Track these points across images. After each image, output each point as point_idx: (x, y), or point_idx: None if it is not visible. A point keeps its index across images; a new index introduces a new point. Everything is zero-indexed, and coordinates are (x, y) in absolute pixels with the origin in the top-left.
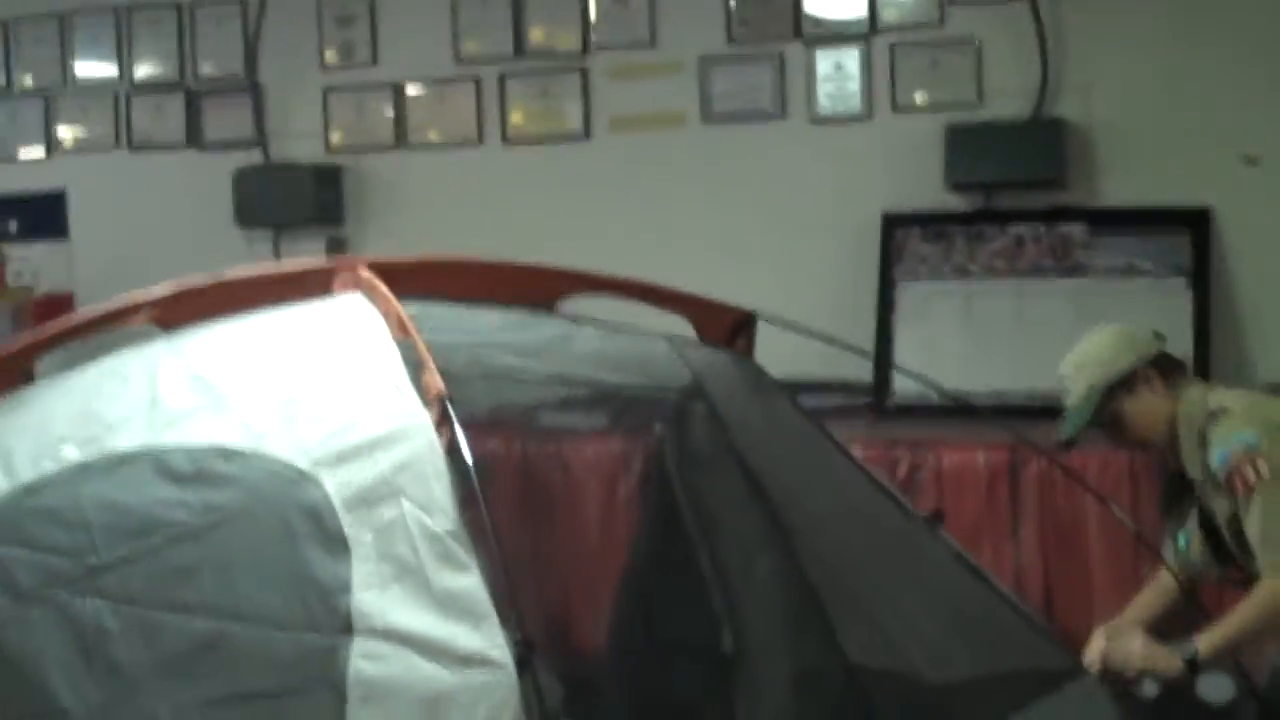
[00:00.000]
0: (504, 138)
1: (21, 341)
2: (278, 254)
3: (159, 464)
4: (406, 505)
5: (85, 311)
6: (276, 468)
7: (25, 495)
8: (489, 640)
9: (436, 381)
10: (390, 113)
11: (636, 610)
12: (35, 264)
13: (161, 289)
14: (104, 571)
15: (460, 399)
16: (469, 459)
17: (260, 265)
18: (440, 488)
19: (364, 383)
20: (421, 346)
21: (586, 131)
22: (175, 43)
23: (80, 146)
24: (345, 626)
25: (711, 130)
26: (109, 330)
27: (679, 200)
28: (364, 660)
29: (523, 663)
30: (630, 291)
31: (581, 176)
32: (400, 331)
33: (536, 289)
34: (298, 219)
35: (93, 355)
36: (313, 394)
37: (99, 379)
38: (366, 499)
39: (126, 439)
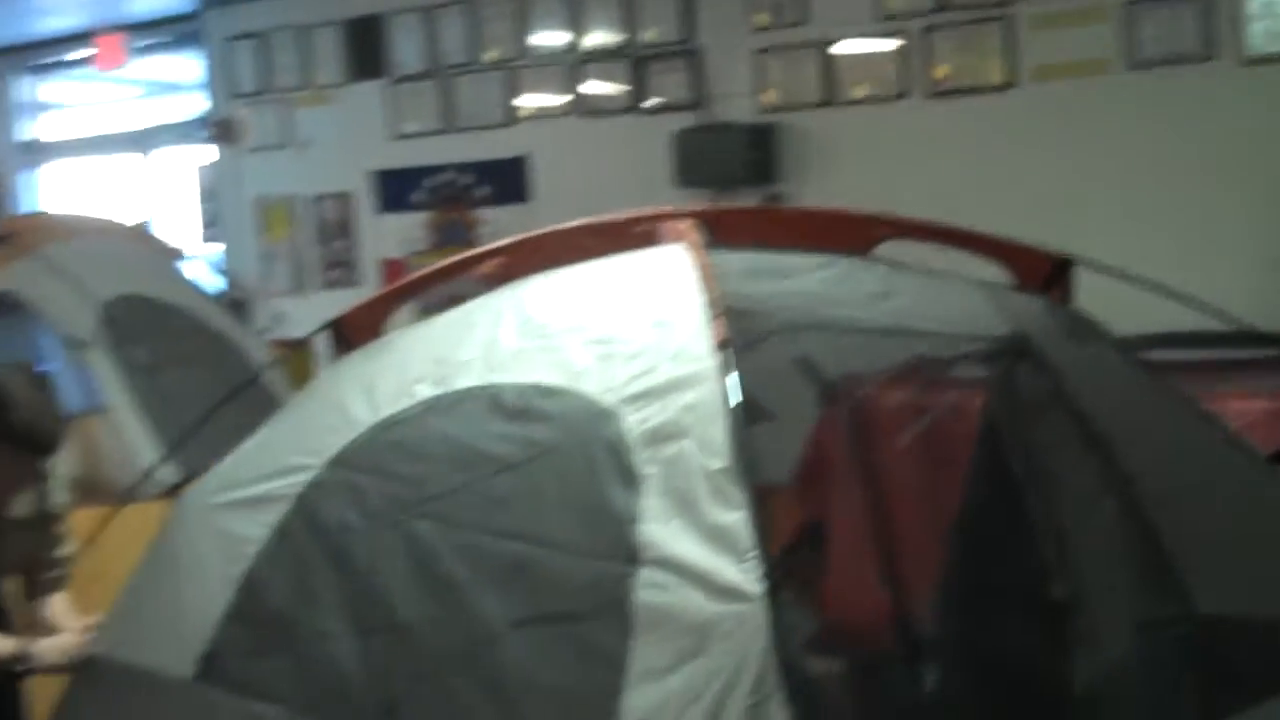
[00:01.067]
0: (928, 91)
1: (387, 289)
2: None
3: (491, 400)
4: (688, 444)
5: (443, 262)
6: (587, 405)
7: (382, 429)
8: (747, 574)
9: (721, 329)
10: (819, 71)
11: (966, 558)
12: (502, 226)
13: (506, 241)
14: (438, 499)
15: (787, 349)
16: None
17: (595, 218)
18: (718, 429)
19: (669, 329)
20: (716, 296)
21: (1010, 82)
22: (621, 12)
23: (538, 114)
24: (633, 556)
25: (1135, 77)
26: (463, 278)
27: (1100, 151)
28: (647, 589)
29: (773, 597)
30: (943, 237)
31: (1003, 129)
32: (709, 282)
33: (853, 235)
34: (733, 178)
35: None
36: (625, 338)
37: (450, 325)
38: (657, 437)
39: (467, 378)
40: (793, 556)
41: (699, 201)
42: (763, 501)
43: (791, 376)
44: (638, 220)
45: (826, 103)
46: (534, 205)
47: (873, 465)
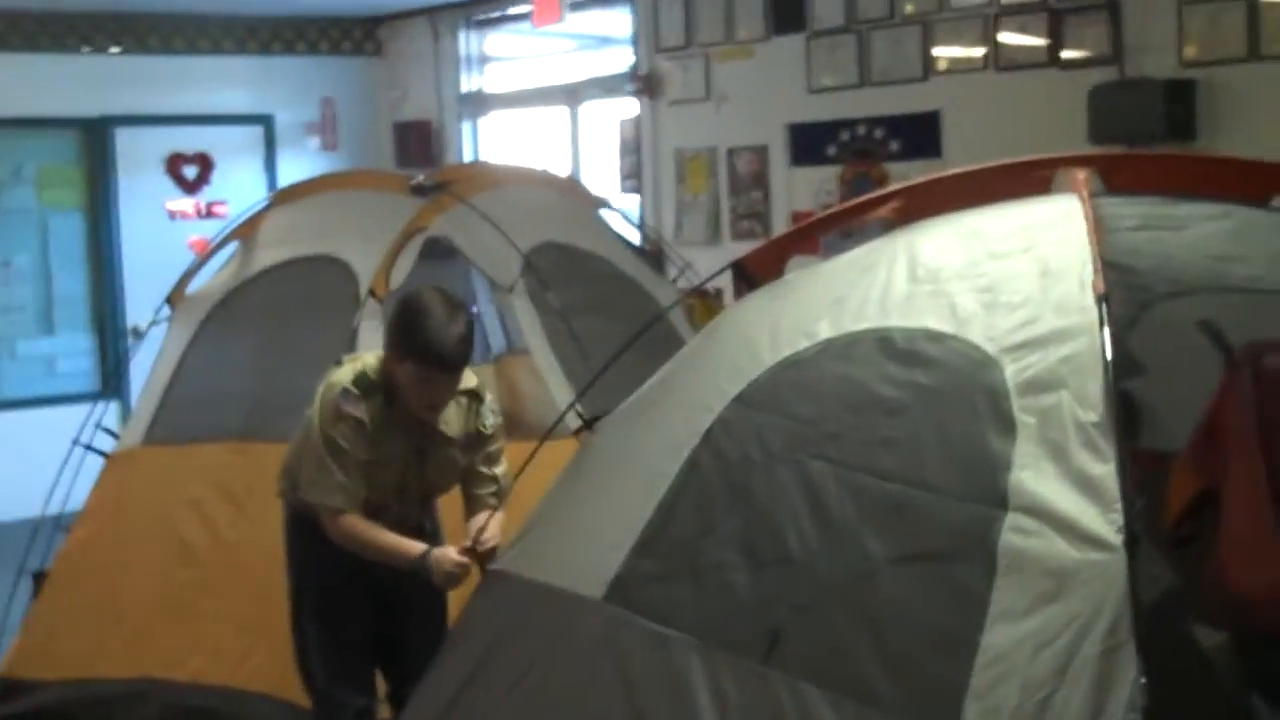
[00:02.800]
0: None
1: (790, 230)
2: None
3: (882, 343)
4: (1064, 395)
5: (844, 205)
6: (970, 351)
7: (783, 368)
8: (1111, 525)
9: (1099, 284)
10: (1244, 23)
11: None
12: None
13: (904, 184)
14: (831, 439)
15: (1185, 309)
16: (1109, 357)
17: (991, 162)
18: (1094, 383)
19: (1054, 280)
20: (1102, 250)
21: None
22: None
23: (953, 69)
24: (1002, 501)
25: None
26: (862, 221)
27: None
28: (1013, 533)
29: (1132, 549)
30: None
31: None
32: (1097, 235)
33: (1251, 183)
34: (1151, 135)
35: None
36: (1010, 286)
37: (849, 267)
38: (1035, 386)
39: (863, 319)
40: (1186, 524)
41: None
42: (1156, 467)
43: (1186, 338)
44: (1034, 165)
45: (1251, 57)
46: (945, 161)
47: (1277, 436)
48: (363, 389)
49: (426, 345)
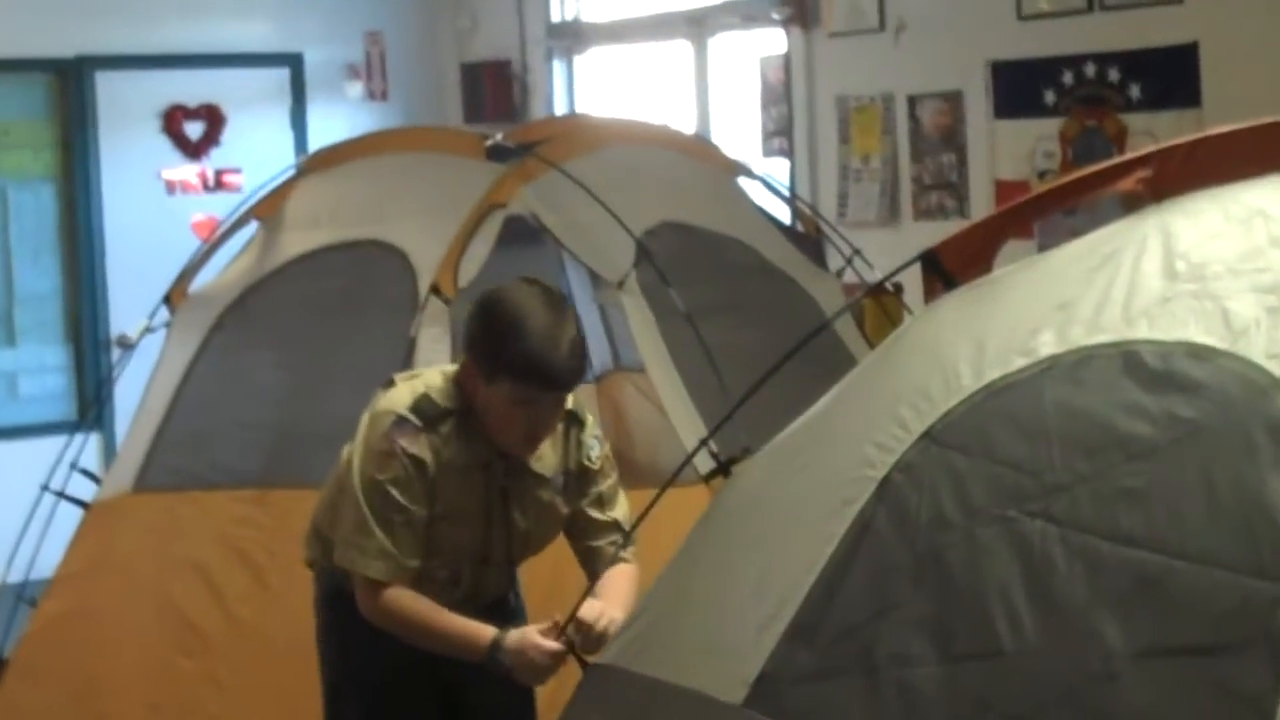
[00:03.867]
0: None
1: (998, 211)
2: None
3: (1127, 362)
4: None
5: (1070, 176)
6: (1249, 373)
7: (990, 396)
8: None
9: None
10: None
11: None
12: (1161, 136)
13: (1153, 147)
14: (1058, 491)
15: None
16: None
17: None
18: None
19: None
20: None
21: None
22: None
23: None
24: None
25: None
26: (1097, 196)
27: None
28: None
29: None
30: None
31: None
32: None
33: None
34: None
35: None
36: None
37: (1079, 259)
38: None
39: (1099, 330)
40: None
41: None
42: None
43: None
44: None
45: None
46: (1205, 110)
47: None
48: (426, 418)
49: (528, 359)
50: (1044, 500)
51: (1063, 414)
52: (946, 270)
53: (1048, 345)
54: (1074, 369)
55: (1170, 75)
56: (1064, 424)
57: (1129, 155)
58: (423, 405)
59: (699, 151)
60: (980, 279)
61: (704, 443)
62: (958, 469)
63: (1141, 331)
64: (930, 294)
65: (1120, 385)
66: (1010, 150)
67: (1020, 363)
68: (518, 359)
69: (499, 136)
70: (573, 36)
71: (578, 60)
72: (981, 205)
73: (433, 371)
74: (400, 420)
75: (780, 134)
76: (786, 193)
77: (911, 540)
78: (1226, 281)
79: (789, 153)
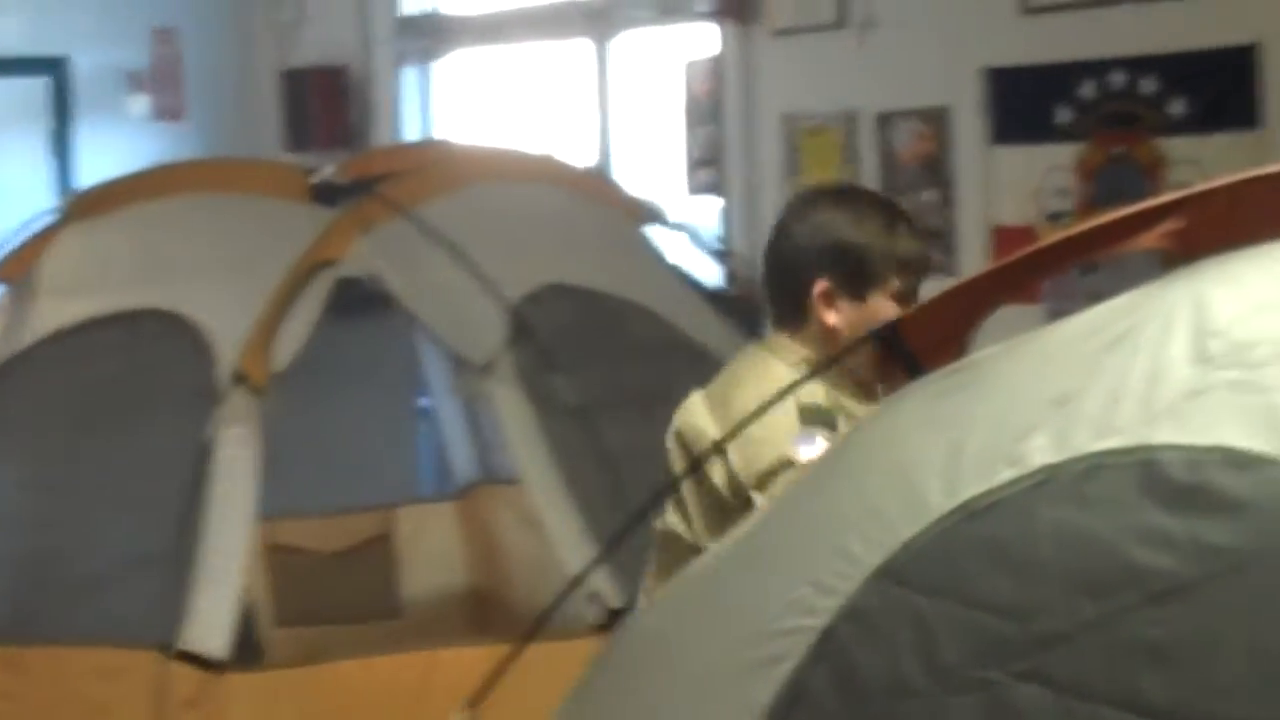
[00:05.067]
0: None
1: (977, 275)
2: None
3: (1146, 472)
4: None
5: (1075, 229)
6: None
7: (967, 518)
8: None
9: None
10: None
11: None
12: (1210, 166)
13: (1186, 191)
14: (1054, 643)
15: None
16: None
17: None
18: None
19: None
20: None
21: None
22: None
23: None
24: None
25: None
26: (1113, 254)
27: None
28: None
29: None
30: None
31: None
32: None
33: None
34: None
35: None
36: None
37: (1084, 338)
38: None
39: (1110, 432)
40: None
41: None
42: None
43: None
44: None
45: None
46: (1268, 132)
47: None
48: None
49: (909, 238)
50: (1037, 656)
51: (1062, 542)
52: (909, 350)
53: (1043, 452)
54: (1077, 483)
55: (1222, 86)
56: (1064, 555)
57: (1153, 201)
58: (818, 415)
59: (596, 190)
60: (955, 363)
61: (579, 580)
62: (924, 616)
63: (1165, 434)
64: (889, 383)
65: (1137, 504)
66: (1012, 186)
67: (1007, 475)
68: (899, 244)
69: (329, 170)
70: (430, 35)
71: (436, 66)
72: (975, 258)
73: (767, 384)
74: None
75: (710, 163)
76: (716, 244)
77: (861, 712)
78: (1277, 368)
79: (721, 189)
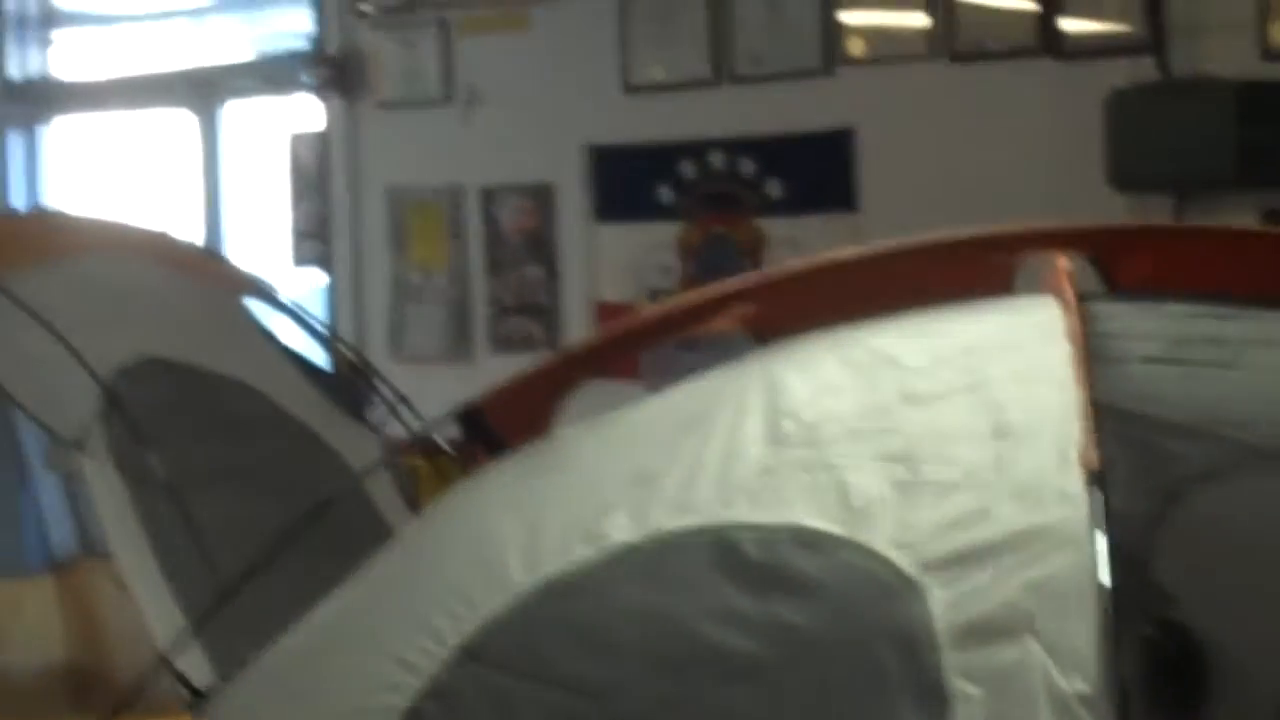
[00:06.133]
0: None
1: (558, 356)
2: None
3: (721, 551)
4: (1033, 648)
5: (653, 309)
6: (872, 568)
7: (547, 596)
8: None
9: (1092, 455)
10: None
11: None
12: (808, 247)
13: (752, 277)
14: None
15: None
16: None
17: (914, 238)
18: (1083, 627)
19: (1015, 445)
20: (1085, 398)
21: None
22: None
23: (875, 55)
24: None
25: None
26: (685, 339)
27: None
28: None
29: None
30: None
31: None
32: (1084, 368)
33: None
34: (1216, 177)
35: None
36: (941, 452)
37: (663, 418)
38: (982, 631)
39: (687, 510)
40: None
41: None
42: None
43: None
44: (984, 242)
45: None
46: (864, 215)
47: None
48: None
49: None
50: None
51: (640, 620)
52: (491, 430)
53: (621, 530)
54: (655, 561)
55: (820, 169)
56: (641, 633)
57: (727, 285)
58: None
59: (198, 265)
60: (538, 442)
61: (166, 660)
62: (506, 695)
63: (740, 513)
64: (472, 462)
65: (713, 583)
66: (615, 263)
67: (585, 553)
68: None
69: None
70: (35, 100)
71: (43, 131)
72: (578, 334)
73: None
74: None
75: (315, 236)
76: (321, 319)
77: None
78: (845, 446)
79: (327, 262)
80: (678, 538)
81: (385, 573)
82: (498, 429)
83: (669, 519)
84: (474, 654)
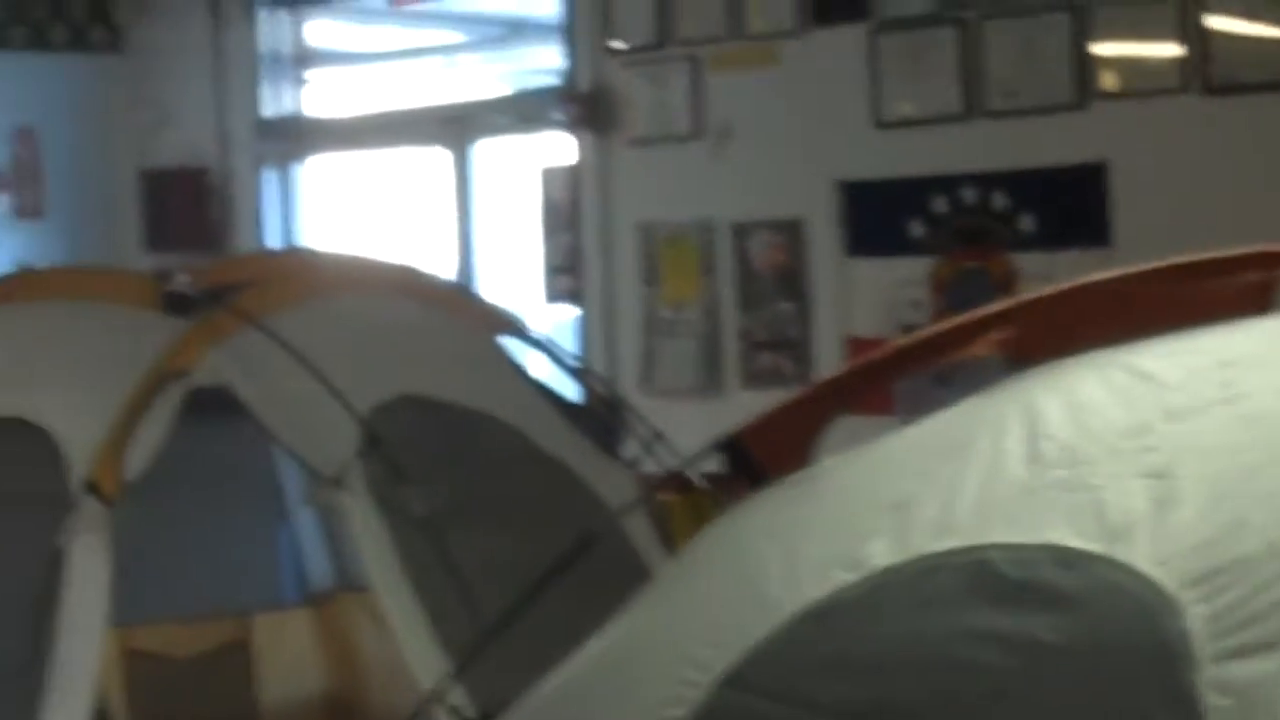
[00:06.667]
0: None
1: (816, 385)
2: None
3: (978, 572)
4: None
5: (909, 338)
6: (1131, 585)
7: (808, 624)
8: None
9: None
10: None
11: None
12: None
13: (1007, 302)
14: None
15: None
16: None
17: (1172, 258)
18: None
19: (1275, 452)
20: None
21: None
22: None
23: (1130, 88)
24: None
25: None
26: (940, 370)
27: None
28: None
29: None
30: None
31: None
32: None
33: None
34: None
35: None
36: (1192, 462)
37: (922, 444)
38: (1240, 645)
39: (948, 532)
40: None
41: None
42: None
43: None
44: (1239, 261)
45: None
46: (1117, 250)
47: None
48: None
49: None
50: None
51: (901, 642)
52: (752, 460)
53: (881, 555)
54: (915, 584)
55: (1073, 203)
56: (902, 656)
57: (983, 310)
58: None
59: (452, 302)
60: (798, 473)
61: (435, 697)
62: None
63: (999, 534)
64: (734, 493)
65: (971, 603)
66: (866, 298)
67: (845, 578)
68: None
69: (182, 279)
70: (290, 139)
71: (297, 169)
72: (830, 369)
73: None
74: None
75: (567, 271)
76: (573, 355)
77: None
78: (1105, 466)
79: (578, 297)
80: (938, 560)
81: (649, 607)
82: (758, 459)
83: (929, 542)
84: (736, 682)
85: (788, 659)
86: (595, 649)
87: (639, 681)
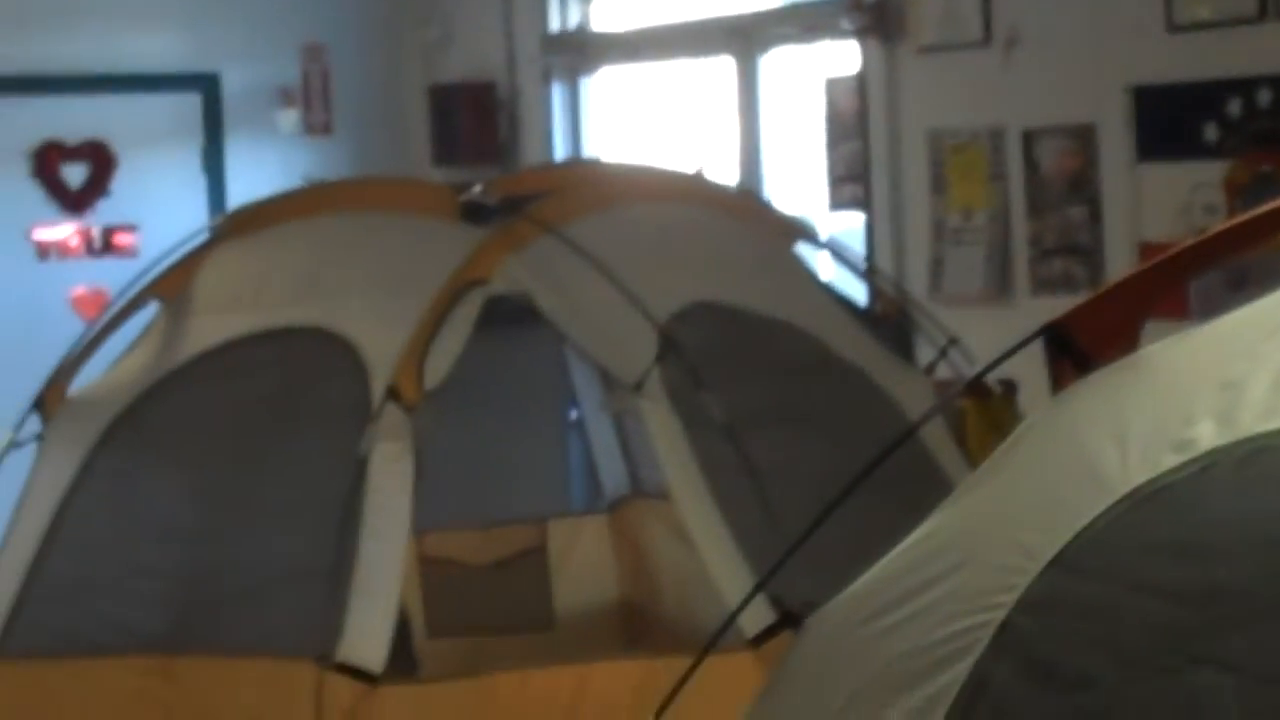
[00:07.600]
0: None
1: (1136, 270)
2: None
3: None
4: None
5: (1226, 223)
6: None
7: (1135, 506)
8: None
9: None
10: None
11: None
12: None
13: None
14: (1230, 627)
15: None
16: None
17: None
18: None
19: None
20: None
21: None
22: None
23: None
24: None
25: None
26: (1261, 250)
27: None
28: None
29: None
30: None
31: None
32: None
33: None
34: None
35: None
36: None
37: (1246, 327)
38: None
39: (1275, 413)
40: None
41: None
42: None
43: None
44: None
45: None
46: None
47: None
48: None
49: None
50: (1220, 642)
51: (1233, 524)
52: (1077, 347)
53: (1209, 437)
54: (1244, 464)
55: None
56: (1234, 537)
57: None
58: None
59: (743, 209)
60: (1123, 359)
61: (752, 595)
62: (1100, 605)
63: None
64: (1059, 380)
65: None
66: (1159, 202)
67: (1173, 460)
68: None
69: (478, 190)
70: (577, 52)
71: (584, 83)
72: (1122, 272)
73: None
74: None
75: (854, 180)
76: (862, 261)
77: (1042, 704)
78: None
79: (865, 205)
80: (1266, 440)
81: (971, 498)
82: (1084, 346)
83: (1259, 421)
84: (1067, 566)
85: (1117, 541)
86: (910, 544)
87: (967, 570)
